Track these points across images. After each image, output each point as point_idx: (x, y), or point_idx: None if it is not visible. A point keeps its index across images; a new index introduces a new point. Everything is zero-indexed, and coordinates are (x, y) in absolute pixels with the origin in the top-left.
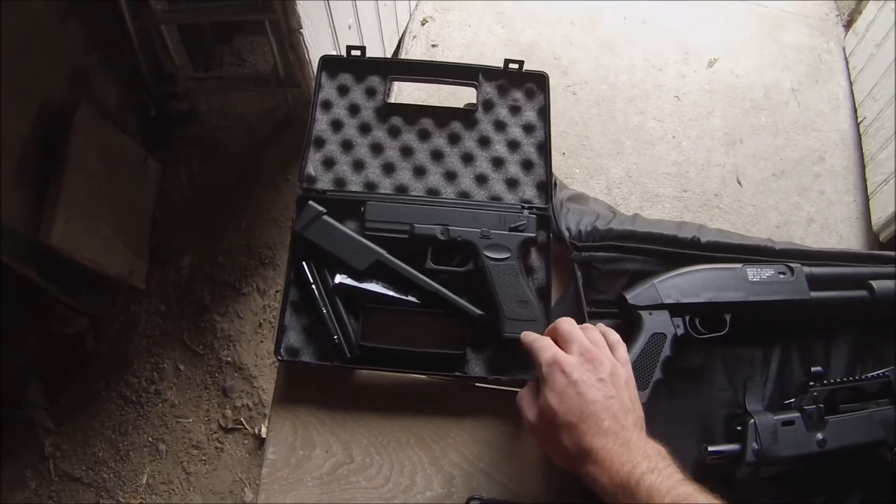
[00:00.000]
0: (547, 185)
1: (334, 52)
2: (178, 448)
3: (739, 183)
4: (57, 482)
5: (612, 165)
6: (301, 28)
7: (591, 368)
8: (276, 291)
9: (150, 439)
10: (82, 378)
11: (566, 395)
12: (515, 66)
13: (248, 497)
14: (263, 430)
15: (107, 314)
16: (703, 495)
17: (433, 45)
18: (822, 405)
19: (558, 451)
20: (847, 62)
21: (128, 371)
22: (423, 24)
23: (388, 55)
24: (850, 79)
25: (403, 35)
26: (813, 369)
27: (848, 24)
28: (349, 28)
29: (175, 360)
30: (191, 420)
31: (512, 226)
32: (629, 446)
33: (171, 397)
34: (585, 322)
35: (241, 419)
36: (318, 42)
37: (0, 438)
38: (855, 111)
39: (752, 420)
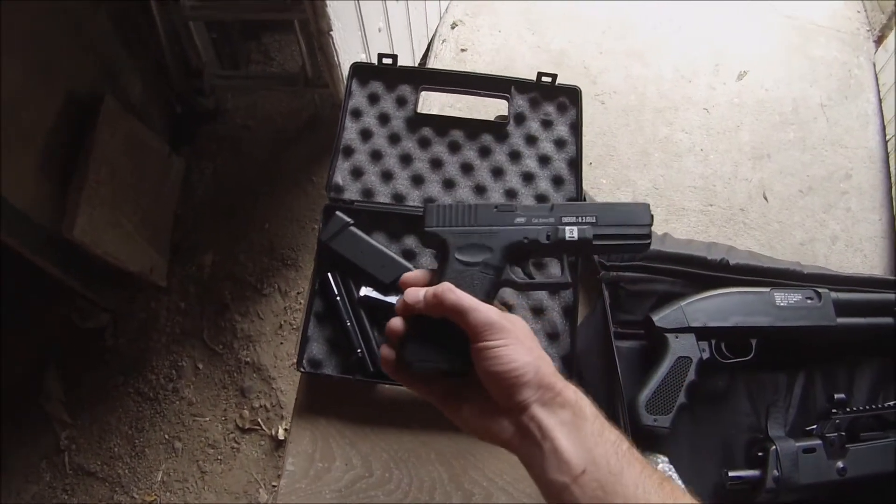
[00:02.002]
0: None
1: (363, 55)
2: (194, 446)
3: (766, 198)
4: (71, 475)
5: (638, 177)
6: (331, 30)
7: None
8: (298, 293)
9: (167, 437)
10: (100, 372)
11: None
12: (549, 79)
13: (263, 498)
14: (281, 431)
15: (127, 310)
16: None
17: (462, 50)
18: (843, 433)
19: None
20: (877, 78)
21: (146, 367)
22: (452, 28)
23: (418, 59)
24: (879, 96)
25: (433, 39)
26: (836, 396)
27: (879, 40)
28: (379, 31)
29: (194, 359)
30: (208, 419)
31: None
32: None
33: (189, 395)
34: (611, 341)
35: (259, 420)
36: (348, 44)
37: (15, 429)
38: (883, 129)
39: (774, 446)
